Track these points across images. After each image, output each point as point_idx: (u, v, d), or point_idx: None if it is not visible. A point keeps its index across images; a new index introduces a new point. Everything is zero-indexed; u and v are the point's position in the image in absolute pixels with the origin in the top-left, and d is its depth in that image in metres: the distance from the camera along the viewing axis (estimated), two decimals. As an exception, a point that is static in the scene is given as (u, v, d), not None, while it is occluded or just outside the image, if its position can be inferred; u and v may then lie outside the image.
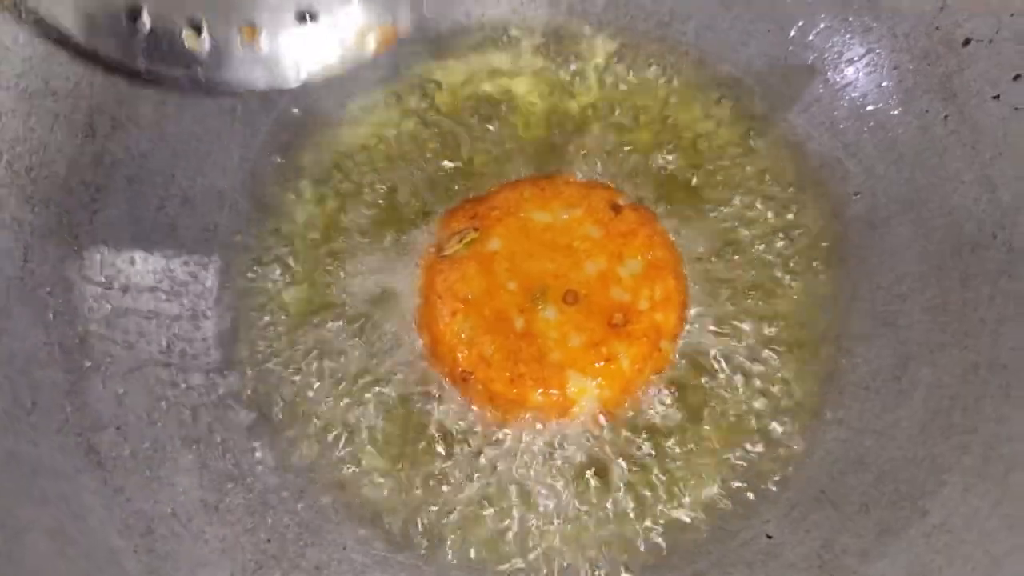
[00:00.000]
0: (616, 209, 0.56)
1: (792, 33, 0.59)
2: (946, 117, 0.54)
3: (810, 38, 0.58)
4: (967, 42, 0.53)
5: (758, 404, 0.53)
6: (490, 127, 0.59)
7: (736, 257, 0.56)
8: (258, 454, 0.51)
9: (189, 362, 0.52)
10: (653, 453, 0.52)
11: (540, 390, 0.52)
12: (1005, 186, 0.52)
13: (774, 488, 0.51)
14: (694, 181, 0.58)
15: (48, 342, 0.48)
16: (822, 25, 0.58)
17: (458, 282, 0.55)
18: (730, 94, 0.59)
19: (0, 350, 0.46)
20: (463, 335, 0.53)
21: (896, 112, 0.56)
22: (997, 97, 0.52)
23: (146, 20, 0.45)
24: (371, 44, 0.50)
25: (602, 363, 0.52)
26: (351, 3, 0.48)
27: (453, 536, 0.50)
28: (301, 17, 0.47)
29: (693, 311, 0.55)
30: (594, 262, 0.55)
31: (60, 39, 0.46)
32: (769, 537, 0.50)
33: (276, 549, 0.49)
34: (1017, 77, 0.52)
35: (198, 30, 0.45)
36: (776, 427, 0.53)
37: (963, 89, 0.54)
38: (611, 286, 0.55)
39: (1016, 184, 0.51)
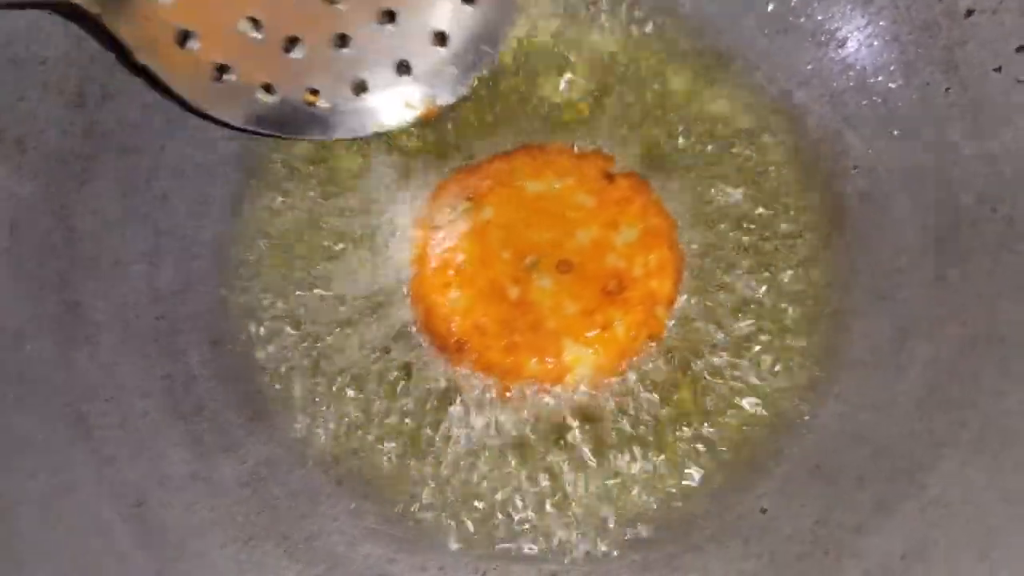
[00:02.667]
0: (609, 178, 0.56)
1: (793, 3, 0.58)
2: (947, 89, 0.54)
3: (811, 9, 0.58)
4: (969, 13, 0.53)
5: (754, 378, 0.53)
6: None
7: (733, 231, 0.56)
8: (250, 427, 0.51)
9: (180, 334, 0.52)
10: (648, 422, 0.52)
11: (535, 358, 0.53)
12: (1006, 159, 0.51)
13: (770, 462, 0.51)
14: (689, 153, 0.57)
15: (37, 314, 0.48)
16: (823, -6, 0.57)
17: (451, 252, 0.55)
18: (729, 66, 0.59)
19: (-11, 321, 0.46)
20: (457, 304, 0.53)
21: (897, 84, 0.56)
22: (999, 69, 0.52)
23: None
24: (418, 113, 0.57)
25: (597, 331, 0.53)
26: (400, 82, 0.56)
27: (447, 510, 0.50)
28: (356, 88, 0.55)
29: (687, 283, 0.55)
30: (588, 230, 0.55)
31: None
32: (764, 511, 0.50)
33: (267, 520, 0.49)
34: (1020, 48, 0.51)
35: (270, 90, 0.53)
36: (772, 401, 0.52)
37: (965, 61, 0.53)
38: (605, 254, 0.55)
39: (1017, 157, 0.51)
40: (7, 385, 0.45)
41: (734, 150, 0.57)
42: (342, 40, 0.53)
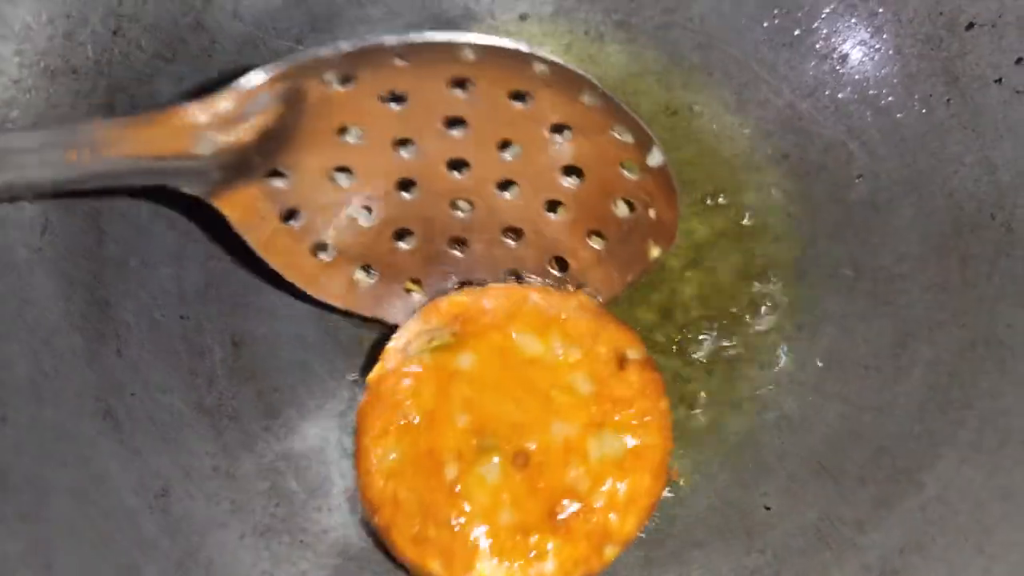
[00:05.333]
0: (622, 363, 0.48)
1: (798, 18, 0.59)
2: (948, 100, 0.55)
3: (816, 23, 0.59)
4: (970, 26, 0.54)
5: (760, 380, 0.54)
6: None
7: (741, 238, 0.57)
8: (269, 423, 0.53)
9: (204, 333, 0.53)
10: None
11: (440, 563, 0.45)
12: (1005, 168, 0.53)
13: (774, 461, 0.53)
14: (696, 167, 0.59)
15: (68, 311, 0.49)
16: (827, 9, 0.59)
17: (405, 393, 0.47)
18: (735, 78, 0.60)
19: (23, 320, 0.48)
20: (386, 460, 0.47)
21: (900, 95, 0.57)
22: (999, 81, 0.53)
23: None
24: None
25: (520, 562, 0.44)
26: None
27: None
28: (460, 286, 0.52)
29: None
30: (567, 426, 0.46)
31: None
32: (767, 508, 0.51)
33: (285, 512, 0.50)
34: (1019, 61, 0.52)
35: (368, 272, 0.51)
36: (778, 403, 0.54)
37: (965, 73, 0.54)
38: (572, 463, 0.46)
39: (1015, 166, 0.52)
40: (40, 379, 0.47)
41: (741, 163, 0.59)
42: (457, 242, 0.51)
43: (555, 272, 0.51)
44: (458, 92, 0.44)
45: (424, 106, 0.44)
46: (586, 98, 0.44)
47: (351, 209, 0.48)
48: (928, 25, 0.56)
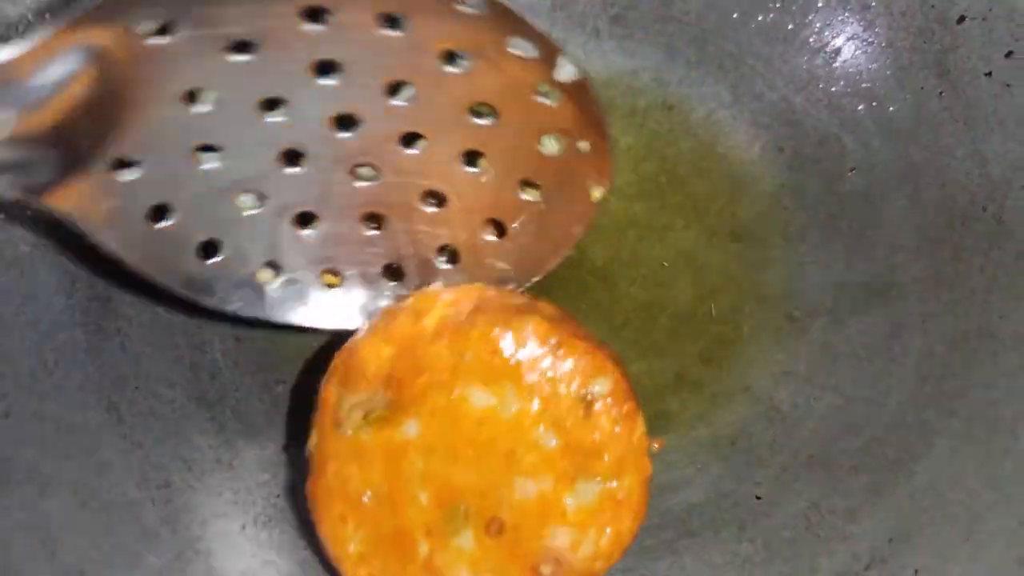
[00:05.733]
0: (589, 407, 0.42)
1: (792, 12, 0.60)
2: (940, 93, 0.55)
3: (810, 17, 0.59)
4: (961, 20, 0.54)
5: (754, 371, 0.55)
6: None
7: (734, 231, 0.58)
8: (270, 415, 0.54)
9: (205, 327, 0.54)
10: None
11: None
12: (996, 160, 0.53)
13: (766, 452, 0.53)
14: (691, 160, 0.60)
15: (70, 306, 0.50)
16: (820, 3, 0.59)
17: (353, 477, 0.42)
18: (730, 73, 0.61)
19: (25, 315, 0.48)
20: (350, 549, 0.42)
21: (892, 89, 0.57)
22: (989, 74, 0.53)
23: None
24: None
25: None
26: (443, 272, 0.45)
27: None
28: (388, 272, 0.44)
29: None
30: (536, 483, 0.41)
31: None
32: (759, 498, 0.52)
33: (286, 504, 0.51)
34: (1009, 54, 0.53)
35: (275, 269, 0.43)
36: (771, 393, 0.55)
37: (957, 66, 0.55)
38: (549, 521, 0.41)
39: (1006, 159, 0.53)
40: (43, 373, 0.48)
41: (735, 156, 0.60)
42: (370, 219, 0.44)
43: (492, 238, 0.44)
44: (315, 27, 0.36)
45: (279, 52, 0.37)
46: (467, 8, 0.37)
47: (233, 196, 0.40)
48: (920, 18, 0.56)
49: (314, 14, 0.36)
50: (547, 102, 0.40)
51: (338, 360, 0.44)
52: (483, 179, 0.42)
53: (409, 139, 0.41)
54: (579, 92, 0.40)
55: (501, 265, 0.45)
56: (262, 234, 0.41)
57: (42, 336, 0.49)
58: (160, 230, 0.40)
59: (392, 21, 0.37)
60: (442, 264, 0.45)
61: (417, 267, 0.44)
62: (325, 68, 0.38)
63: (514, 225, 0.43)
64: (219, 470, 0.51)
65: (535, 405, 0.41)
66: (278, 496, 0.51)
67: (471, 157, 0.42)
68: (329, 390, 0.44)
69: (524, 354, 0.41)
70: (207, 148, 0.39)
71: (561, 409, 0.41)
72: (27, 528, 0.44)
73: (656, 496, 0.51)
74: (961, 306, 0.52)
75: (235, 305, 0.44)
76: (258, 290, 0.43)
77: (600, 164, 0.43)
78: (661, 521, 0.52)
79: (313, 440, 0.44)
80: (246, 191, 0.41)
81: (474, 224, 0.44)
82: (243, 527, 0.50)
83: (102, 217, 0.39)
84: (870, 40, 0.58)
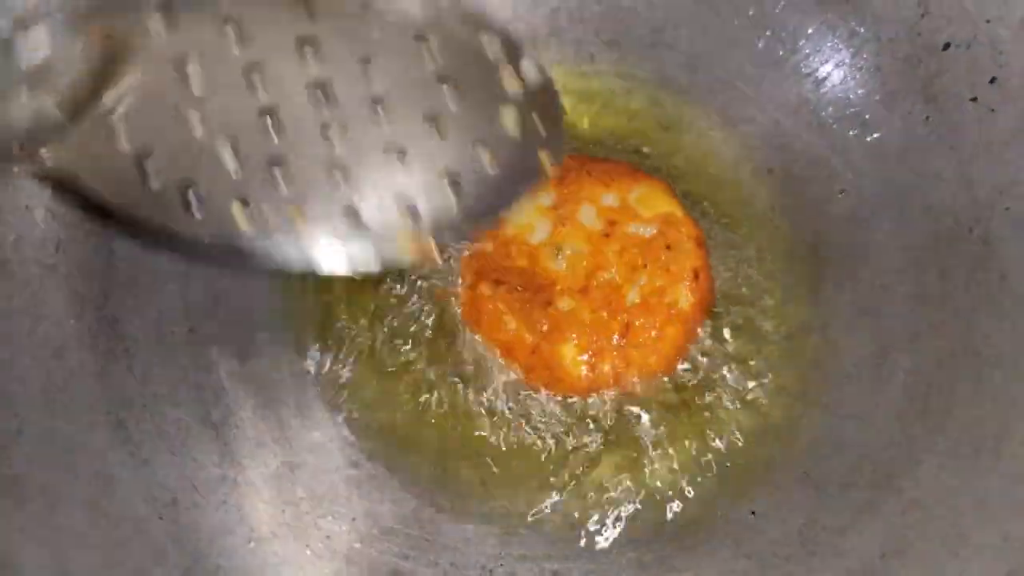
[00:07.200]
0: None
1: (783, 38, 0.61)
2: (927, 118, 0.57)
3: (799, 44, 0.61)
4: (947, 47, 0.56)
5: (747, 391, 0.56)
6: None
7: (728, 251, 0.59)
8: (274, 434, 0.55)
9: (210, 347, 0.55)
10: (646, 433, 0.55)
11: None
12: (981, 183, 0.54)
13: (760, 469, 0.54)
14: (683, 182, 0.61)
15: (80, 327, 0.51)
16: (810, 30, 0.60)
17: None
18: (721, 96, 0.62)
19: (36, 335, 0.49)
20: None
21: (880, 113, 0.59)
22: (975, 99, 0.55)
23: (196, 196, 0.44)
24: (408, 253, 0.47)
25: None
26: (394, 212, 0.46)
27: (453, 510, 0.54)
28: (348, 213, 0.45)
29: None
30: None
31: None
32: (754, 514, 0.53)
33: (290, 518, 0.52)
34: (993, 80, 0.54)
35: (245, 203, 0.44)
36: (764, 412, 0.56)
37: (943, 91, 0.56)
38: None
39: (991, 181, 0.54)
40: (53, 393, 0.49)
41: (729, 179, 0.61)
42: (337, 168, 0.45)
43: (447, 190, 0.46)
44: (303, 9, 0.41)
45: (268, 28, 0.42)
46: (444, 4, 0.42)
47: (213, 145, 0.43)
48: (907, 46, 0.57)
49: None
50: (510, 89, 0.45)
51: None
52: (441, 138, 0.46)
53: (377, 101, 0.45)
54: (541, 89, 0.45)
55: (454, 212, 0.47)
56: (236, 176, 0.44)
57: (52, 356, 0.50)
58: (145, 172, 0.42)
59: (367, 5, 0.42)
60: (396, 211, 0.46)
61: (374, 209, 0.46)
62: (305, 41, 0.43)
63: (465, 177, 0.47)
64: (224, 487, 0.52)
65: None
66: (283, 512, 0.52)
67: (432, 120, 0.46)
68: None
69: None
70: (192, 105, 0.42)
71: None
72: (38, 543, 0.45)
73: (651, 512, 0.53)
74: (947, 326, 0.54)
75: (213, 237, 0.44)
76: (232, 224, 0.44)
77: (554, 142, 0.46)
78: (656, 536, 0.53)
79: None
80: (223, 140, 0.43)
81: (434, 175, 0.46)
82: (249, 543, 0.51)
83: (93, 165, 0.41)
84: (858, 66, 0.59)
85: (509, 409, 0.56)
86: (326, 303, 0.59)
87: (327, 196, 0.45)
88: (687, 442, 0.55)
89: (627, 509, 0.54)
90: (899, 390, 0.54)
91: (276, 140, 0.44)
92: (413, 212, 0.46)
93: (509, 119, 0.46)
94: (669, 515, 0.54)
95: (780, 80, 0.61)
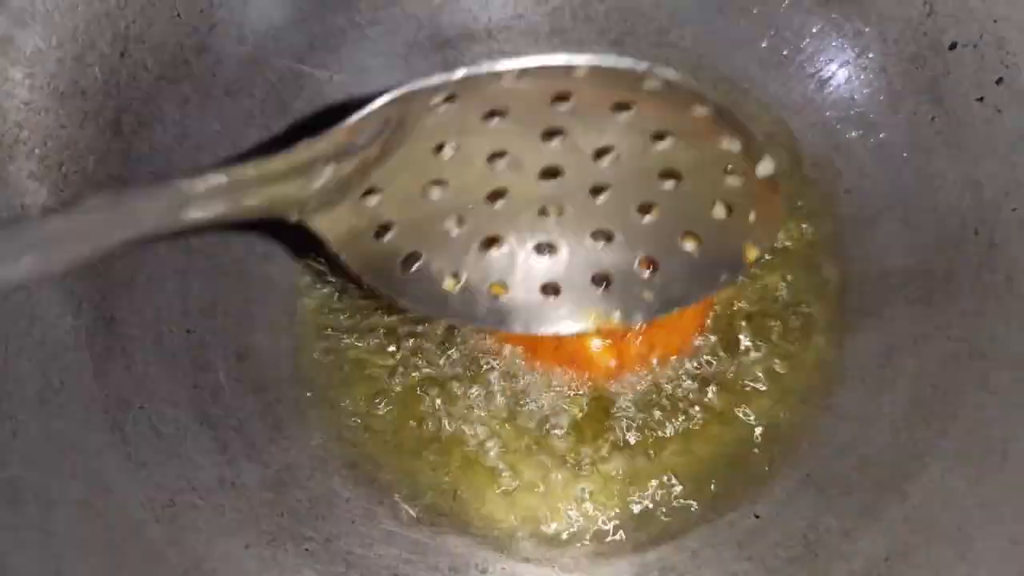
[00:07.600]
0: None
1: (787, 37, 0.61)
2: (933, 118, 0.57)
3: (804, 43, 0.61)
4: (953, 46, 0.55)
5: (751, 392, 0.56)
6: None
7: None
8: (273, 435, 0.54)
9: (208, 348, 0.55)
10: (650, 433, 0.55)
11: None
12: (987, 184, 0.54)
13: (763, 472, 0.54)
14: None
15: (76, 327, 0.51)
16: (815, 29, 0.60)
17: None
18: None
19: (32, 336, 0.49)
20: None
21: (885, 113, 0.59)
22: (981, 99, 0.54)
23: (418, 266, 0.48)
24: (595, 327, 0.50)
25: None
26: (594, 295, 0.49)
27: (452, 513, 0.54)
28: (546, 290, 0.49)
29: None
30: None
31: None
32: (757, 517, 0.52)
33: (289, 522, 0.52)
34: (999, 80, 0.54)
35: (456, 278, 0.48)
36: (767, 414, 0.55)
37: (949, 92, 0.56)
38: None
39: (997, 182, 0.54)
40: (49, 393, 0.48)
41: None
42: (545, 248, 0.48)
43: (644, 274, 0.48)
44: (560, 106, 0.43)
45: (523, 121, 0.44)
46: (697, 110, 0.43)
47: (442, 220, 0.47)
48: (912, 45, 0.57)
49: (563, 96, 0.43)
50: (733, 182, 0.46)
51: None
52: (650, 223, 0.48)
53: (598, 189, 0.47)
54: (769, 183, 0.46)
55: (646, 295, 0.49)
56: (454, 251, 0.48)
57: (48, 356, 0.49)
58: (380, 243, 0.46)
59: (623, 106, 0.43)
60: (593, 288, 0.49)
61: (571, 288, 0.49)
62: (552, 132, 0.45)
63: (664, 264, 0.49)
64: (223, 489, 0.51)
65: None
66: (282, 515, 0.52)
67: (646, 207, 0.47)
68: None
69: None
70: (436, 182, 0.46)
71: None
72: (33, 546, 0.44)
73: (653, 513, 0.53)
74: (952, 328, 0.53)
75: (423, 305, 0.49)
76: (442, 295, 0.48)
77: (765, 233, 0.48)
78: (659, 539, 0.52)
79: None
80: (452, 216, 0.47)
81: (631, 259, 0.48)
82: (247, 546, 0.50)
83: (345, 236, 0.45)
84: (864, 66, 0.59)
85: (509, 409, 0.55)
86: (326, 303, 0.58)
87: (531, 272, 0.49)
88: (689, 444, 0.55)
89: (629, 511, 0.54)
90: (904, 393, 0.53)
91: (495, 220, 0.47)
92: (607, 294, 0.49)
93: (722, 211, 0.47)
94: (671, 517, 0.53)
95: (785, 80, 0.61)
